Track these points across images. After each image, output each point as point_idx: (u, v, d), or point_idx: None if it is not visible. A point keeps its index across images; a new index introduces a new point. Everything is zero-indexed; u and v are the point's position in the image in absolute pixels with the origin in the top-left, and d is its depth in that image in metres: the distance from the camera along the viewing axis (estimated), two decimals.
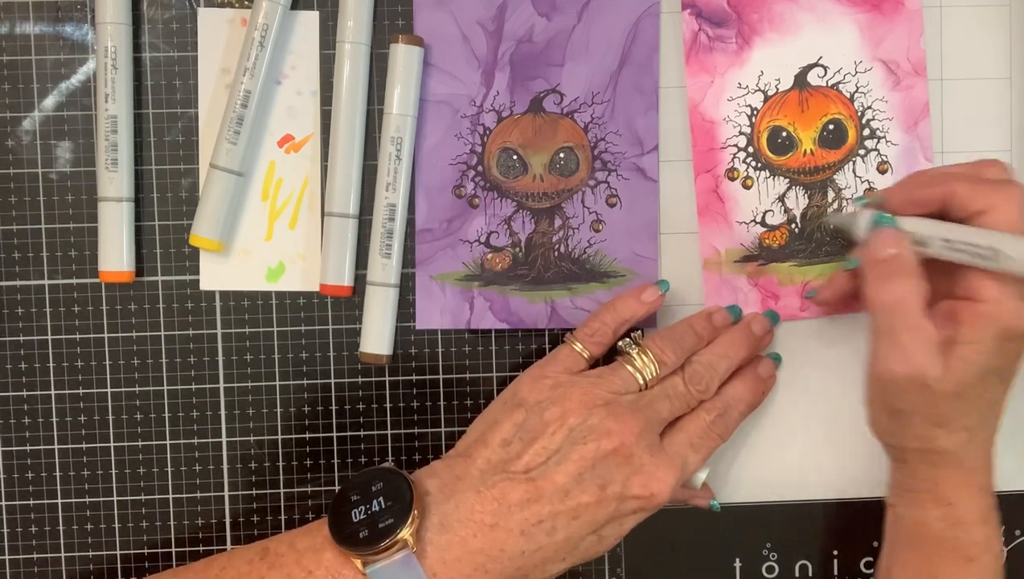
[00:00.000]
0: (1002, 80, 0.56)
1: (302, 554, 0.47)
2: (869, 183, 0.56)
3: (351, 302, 0.55)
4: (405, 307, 0.56)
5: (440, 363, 0.56)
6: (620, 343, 0.52)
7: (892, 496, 0.51)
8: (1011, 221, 0.46)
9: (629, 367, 0.50)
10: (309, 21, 0.55)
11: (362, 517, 0.46)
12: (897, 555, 0.51)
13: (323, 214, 0.55)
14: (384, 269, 0.54)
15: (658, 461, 0.48)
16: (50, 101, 0.55)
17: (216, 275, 0.55)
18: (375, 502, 0.46)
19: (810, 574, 0.57)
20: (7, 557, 0.55)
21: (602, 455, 0.47)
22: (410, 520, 0.46)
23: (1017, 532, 0.57)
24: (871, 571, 0.57)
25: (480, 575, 0.47)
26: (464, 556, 0.47)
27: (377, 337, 0.55)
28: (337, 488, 0.56)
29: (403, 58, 0.54)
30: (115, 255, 0.54)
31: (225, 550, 0.55)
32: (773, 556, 0.57)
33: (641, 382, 0.50)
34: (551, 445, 0.48)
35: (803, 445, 0.57)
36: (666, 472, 0.48)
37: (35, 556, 0.55)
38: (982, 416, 0.48)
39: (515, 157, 0.55)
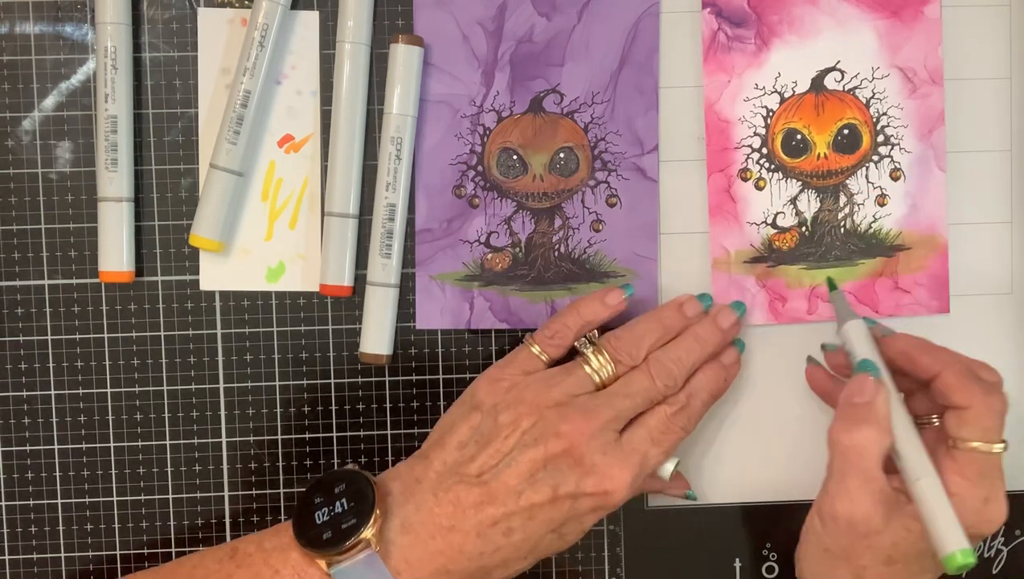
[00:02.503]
0: (1002, 80, 0.56)
1: (269, 554, 0.48)
2: (882, 189, 0.56)
3: (351, 302, 0.55)
4: (405, 307, 0.56)
5: (440, 363, 0.56)
6: (576, 343, 0.52)
7: None
8: (984, 426, 0.47)
9: (586, 367, 0.51)
10: (309, 21, 0.55)
11: (325, 519, 0.47)
12: None
13: (323, 214, 0.55)
14: (384, 269, 0.54)
15: (611, 460, 0.48)
16: (50, 101, 0.55)
17: (216, 275, 0.55)
18: (338, 503, 0.47)
19: None
20: (7, 557, 0.55)
21: (552, 457, 0.48)
22: (372, 520, 0.47)
23: (1017, 532, 0.57)
24: None
25: (442, 575, 0.48)
26: (426, 556, 0.47)
27: (377, 337, 0.55)
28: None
29: (403, 58, 0.54)
30: (115, 255, 0.54)
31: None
32: (773, 556, 0.57)
33: (597, 381, 0.50)
34: (504, 448, 0.48)
35: (803, 445, 0.57)
36: (621, 470, 0.48)
37: (35, 556, 0.55)
38: None
39: (515, 157, 0.55)
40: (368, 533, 0.46)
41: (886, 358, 0.51)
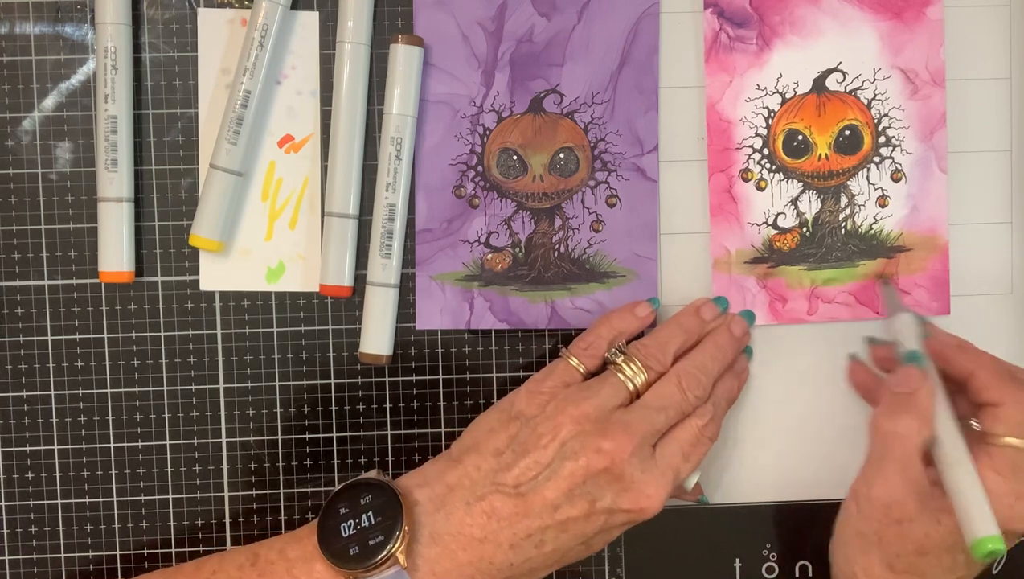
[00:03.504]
0: (1002, 80, 0.56)
1: (292, 563, 0.47)
2: (883, 190, 0.56)
3: (351, 302, 0.55)
4: (405, 307, 0.56)
5: (440, 363, 0.56)
6: (607, 354, 0.52)
7: None
8: (1018, 422, 0.48)
9: (619, 375, 0.51)
10: (309, 21, 0.55)
11: (351, 532, 0.47)
12: None
13: (323, 214, 0.55)
14: (384, 269, 0.54)
15: (649, 477, 0.48)
16: (50, 101, 0.54)
17: (216, 275, 0.55)
18: (364, 517, 0.47)
19: (810, 574, 0.57)
20: (7, 557, 0.55)
21: (593, 473, 0.48)
22: (400, 536, 0.46)
23: None
24: None
25: None
26: (454, 569, 0.47)
27: (377, 337, 0.55)
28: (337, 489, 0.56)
29: (403, 58, 0.54)
30: (115, 255, 0.54)
31: (225, 550, 0.55)
32: (773, 556, 0.57)
33: (632, 389, 0.50)
34: (542, 459, 0.48)
35: (804, 446, 0.57)
36: (657, 487, 0.48)
37: (35, 556, 0.55)
38: None
39: (515, 157, 0.55)
40: (396, 549, 0.46)
41: (941, 357, 0.51)
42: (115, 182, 0.53)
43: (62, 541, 0.55)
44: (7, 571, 0.55)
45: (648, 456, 0.49)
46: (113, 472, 0.55)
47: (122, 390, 0.55)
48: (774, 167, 0.56)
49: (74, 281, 0.55)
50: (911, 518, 0.47)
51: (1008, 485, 0.47)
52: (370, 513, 0.47)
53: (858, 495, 0.49)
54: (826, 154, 0.56)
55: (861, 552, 0.49)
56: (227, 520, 0.56)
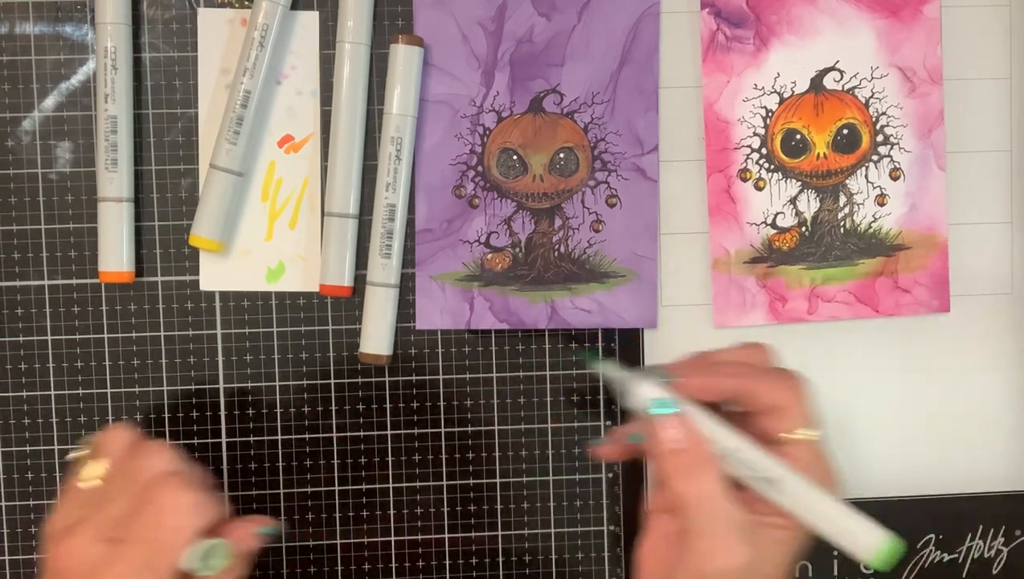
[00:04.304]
0: (1002, 80, 0.56)
1: None
2: (881, 189, 0.56)
3: (351, 302, 0.55)
4: (405, 307, 0.56)
5: (440, 363, 0.56)
6: None
7: None
8: (802, 419, 0.46)
9: None
10: (309, 21, 0.55)
11: None
12: None
13: (323, 214, 0.55)
14: (384, 269, 0.54)
15: None
16: (50, 101, 0.55)
17: (216, 275, 0.55)
18: None
19: (810, 574, 0.57)
20: (7, 557, 0.55)
21: None
22: None
23: (1017, 532, 0.57)
24: (871, 571, 0.57)
25: None
26: None
27: (377, 337, 0.55)
28: (337, 489, 0.56)
29: (403, 58, 0.54)
30: (115, 255, 0.54)
31: None
32: None
33: None
34: None
35: None
36: None
37: (35, 556, 0.55)
38: None
39: (515, 157, 0.55)
40: None
41: (690, 397, 0.47)
42: (115, 182, 0.53)
43: None
44: (7, 571, 0.55)
45: None
46: None
47: (122, 390, 0.55)
48: (772, 167, 0.56)
49: (74, 281, 0.55)
50: (760, 561, 0.45)
51: (815, 473, 0.46)
52: None
53: (705, 572, 0.44)
54: (824, 153, 0.56)
55: None
56: None
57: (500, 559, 0.57)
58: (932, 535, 0.57)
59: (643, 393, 0.46)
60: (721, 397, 0.47)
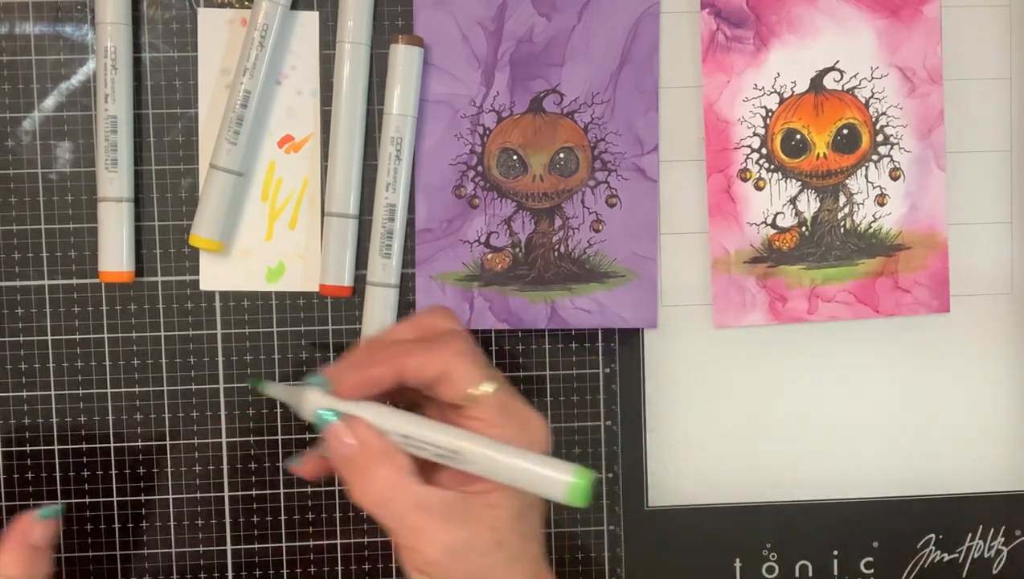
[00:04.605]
0: (1002, 80, 0.56)
1: None
2: (881, 189, 0.56)
3: (351, 302, 0.55)
4: (405, 307, 0.56)
5: None
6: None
7: None
8: (470, 379, 0.44)
9: None
10: (309, 21, 0.55)
11: None
12: None
13: (323, 214, 0.55)
14: (384, 269, 0.54)
15: None
16: (50, 101, 0.55)
17: (216, 275, 0.55)
18: None
19: (810, 574, 0.57)
20: None
21: None
22: None
23: (1017, 532, 0.57)
24: (871, 571, 0.57)
25: None
26: None
27: None
28: (337, 489, 0.56)
29: (403, 58, 0.54)
30: (115, 255, 0.54)
31: (225, 550, 0.56)
32: (773, 556, 0.57)
33: None
34: None
35: (803, 445, 0.57)
36: None
37: None
38: (532, 556, 0.45)
39: (515, 157, 0.55)
40: None
41: (352, 397, 0.45)
42: (115, 182, 0.53)
43: (62, 541, 0.55)
44: None
45: None
46: (113, 472, 0.55)
47: (122, 390, 0.55)
48: (772, 167, 0.56)
49: (74, 281, 0.55)
50: (461, 537, 0.43)
51: (506, 428, 0.44)
52: None
53: (419, 569, 0.43)
54: (824, 153, 0.56)
55: None
56: (227, 520, 0.56)
57: None
58: (932, 535, 0.57)
59: (309, 406, 0.45)
60: (385, 386, 0.45)
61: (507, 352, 0.56)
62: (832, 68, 0.55)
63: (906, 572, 0.57)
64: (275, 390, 0.47)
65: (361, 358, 0.45)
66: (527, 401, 0.46)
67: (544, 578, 0.45)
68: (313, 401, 0.45)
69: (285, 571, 0.56)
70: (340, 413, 0.44)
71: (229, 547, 0.56)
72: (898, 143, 0.56)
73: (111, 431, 0.55)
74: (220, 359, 0.55)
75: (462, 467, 0.44)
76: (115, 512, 0.55)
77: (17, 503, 0.55)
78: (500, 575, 0.44)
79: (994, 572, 0.57)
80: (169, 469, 0.55)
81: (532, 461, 0.43)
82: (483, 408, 0.44)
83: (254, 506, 0.56)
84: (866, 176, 0.56)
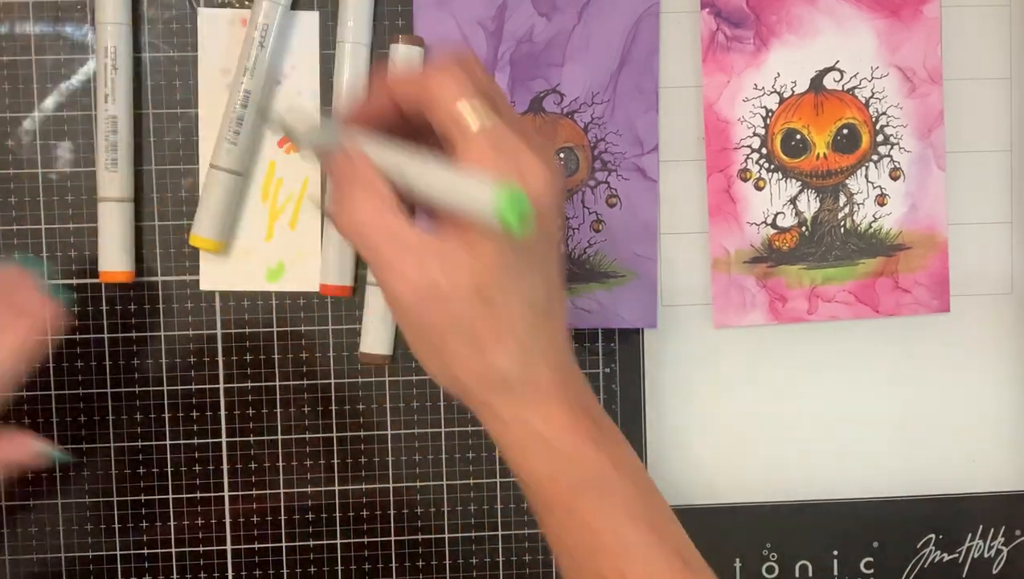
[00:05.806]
0: (1002, 80, 0.56)
1: None
2: (881, 189, 0.56)
3: (351, 302, 0.55)
4: None
5: None
6: None
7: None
8: (452, 96, 0.40)
9: None
10: (309, 21, 0.55)
11: None
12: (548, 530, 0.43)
13: (323, 214, 0.55)
14: None
15: None
16: (50, 101, 0.55)
17: (216, 275, 0.55)
18: None
19: (810, 574, 0.57)
20: (7, 557, 0.55)
21: None
22: None
23: (1017, 532, 0.57)
24: (871, 571, 0.57)
25: None
26: None
27: (377, 337, 0.55)
28: (337, 489, 0.56)
29: (403, 58, 0.54)
30: (115, 255, 0.54)
31: (225, 550, 0.56)
32: (773, 556, 0.57)
33: None
34: None
35: (803, 445, 0.57)
36: None
37: (35, 556, 0.55)
38: (529, 324, 0.41)
39: None
40: None
41: (352, 126, 0.43)
42: (115, 182, 0.53)
43: (62, 541, 0.55)
44: (7, 571, 0.55)
45: None
46: (113, 472, 0.55)
47: (122, 390, 0.55)
48: (772, 166, 0.56)
49: (74, 281, 0.55)
50: (455, 283, 0.40)
51: (500, 164, 0.40)
52: None
53: (393, 304, 0.41)
54: (824, 153, 0.56)
55: (445, 354, 0.41)
56: (227, 520, 0.56)
57: (500, 559, 0.57)
58: (932, 535, 0.57)
59: (313, 134, 0.43)
60: (383, 114, 0.43)
61: None
62: (832, 68, 0.55)
63: (906, 572, 0.57)
64: (287, 120, 0.44)
65: (364, 96, 0.44)
66: (533, 137, 0.41)
67: (553, 357, 0.42)
68: (318, 129, 0.43)
69: (285, 571, 0.56)
70: (339, 142, 0.42)
71: (229, 547, 0.56)
72: (898, 143, 0.56)
73: (111, 431, 0.55)
74: (220, 359, 0.55)
75: (416, 194, 0.41)
76: (115, 512, 0.55)
77: (17, 503, 0.55)
78: (485, 332, 0.41)
79: (994, 572, 0.57)
80: (169, 469, 0.55)
81: (459, 175, 0.39)
82: (473, 143, 0.40)
83: (254, 506, 0.56)
84: (866, 176, 0.56)
